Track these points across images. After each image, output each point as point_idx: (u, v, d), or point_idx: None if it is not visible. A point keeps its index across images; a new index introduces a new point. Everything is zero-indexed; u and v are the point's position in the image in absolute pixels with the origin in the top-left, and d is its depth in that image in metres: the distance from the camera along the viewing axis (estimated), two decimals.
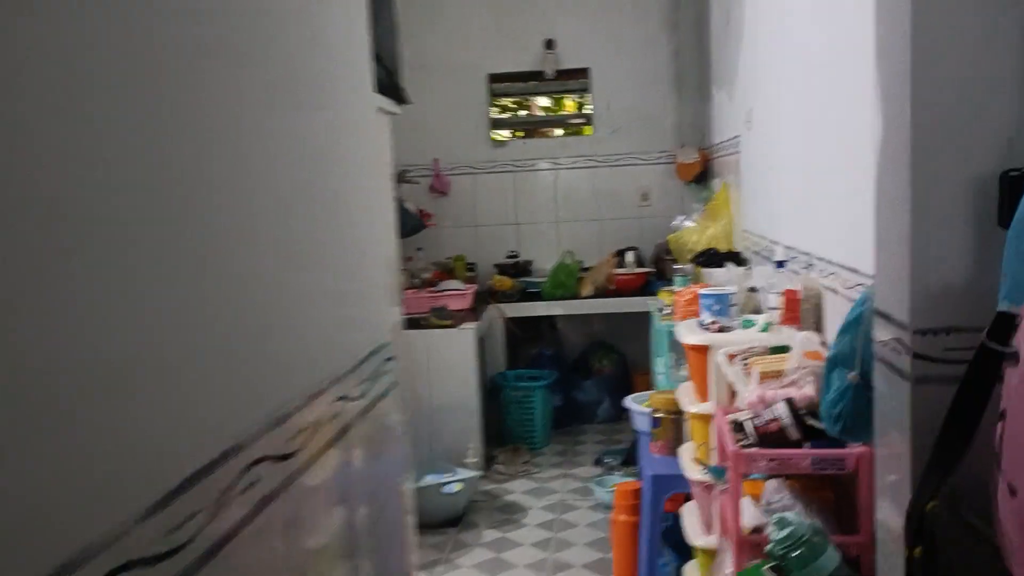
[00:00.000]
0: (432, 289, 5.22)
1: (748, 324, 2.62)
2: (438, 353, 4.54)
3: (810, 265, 2.65)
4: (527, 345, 5.71)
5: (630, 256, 5.52)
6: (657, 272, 5.44)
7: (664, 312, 3.73)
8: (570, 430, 5.46)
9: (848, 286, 2.26)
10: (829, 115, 2.48)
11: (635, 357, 5.70)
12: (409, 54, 6.11)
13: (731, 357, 2.42)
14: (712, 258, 4.02)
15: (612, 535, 3.30)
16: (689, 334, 2.67)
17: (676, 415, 3.08)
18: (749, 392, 2.26)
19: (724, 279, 3.79)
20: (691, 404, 2.67)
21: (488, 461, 4.80)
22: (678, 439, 3.06)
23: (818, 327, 2.56)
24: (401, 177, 5.04)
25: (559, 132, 6.00)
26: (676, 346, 3.58)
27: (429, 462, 4.38)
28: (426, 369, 4.54)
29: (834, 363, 1.79)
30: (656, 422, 3.15)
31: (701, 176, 5.49)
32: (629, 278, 5.36)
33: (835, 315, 2.46)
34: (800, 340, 2.28)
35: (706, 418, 2.55)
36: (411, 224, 5.43)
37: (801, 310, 2.49)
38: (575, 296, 5.31)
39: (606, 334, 5.87)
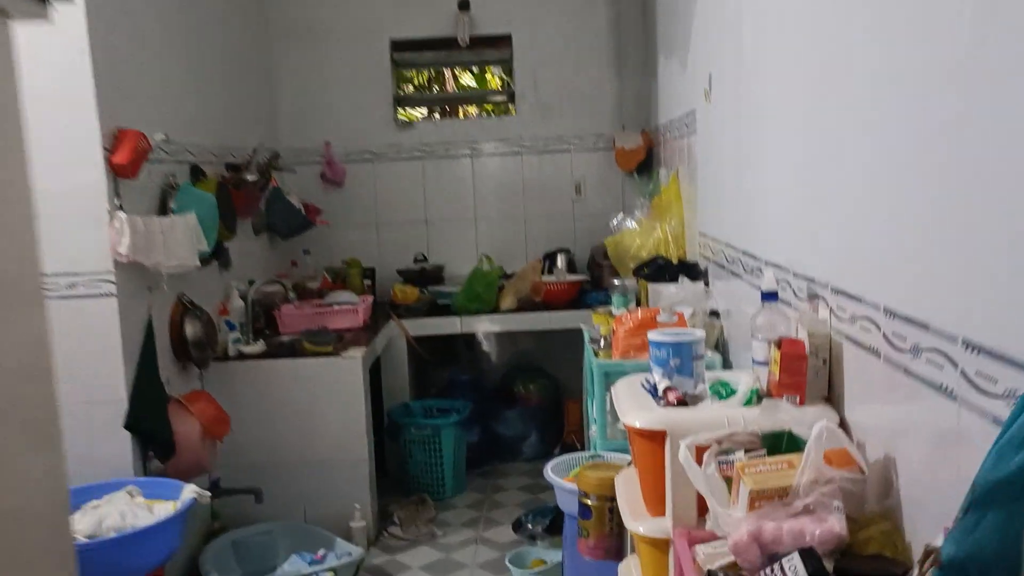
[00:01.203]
0: (318, 302, 4.21)
1: (724, 392, 1.69)
2: (314, 388, 3.54)
3: (814, 297, 1.74)
4: (437, 370, 4.74)
5: (560, 261, 4.60)
6: (592, 280, 4.53)
7: (599, 344, 2.80)
8: (489, 471, 4.52)
9: (899, 340, 1.36)
10: (855, 59, 1.57)
11: (568, 382, 4.78)
12: (292, 13, 5.14)
13: (699, 451, 1.50)
14: (660, 270, 3.11)
15: None
16: (633, 411, 1.71)
17: (613, 502, 2.16)
18: (734, 524, 1.34)
19: (676, 298, 2.88)
20: (636, 517, 1.74)
21: (384, 520, 3.83)
22: (617, 540, 2.14)
23: (829, 398, 1.66)
24: (273, 163, 4.01)
25: (477, 112, 5.03)
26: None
27: (300, 537, 3.39)
28: (297, 410, 3.55)
29: (992, 498, 0.88)
30: (587, 511, 2.22)
31: (644, 165, 4.59)
32: (559, 288, 4.43)
33: (858, 382, 1.56)
34: (818, 432, 1.36)
35: (660, 544, 1.63)
36: (294, 221, 4.42)
37: (809, 371, 1.59)
38: (494, 310, 4.37)
39: (533, 355, 4.94)
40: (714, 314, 2.78)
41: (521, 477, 4.43)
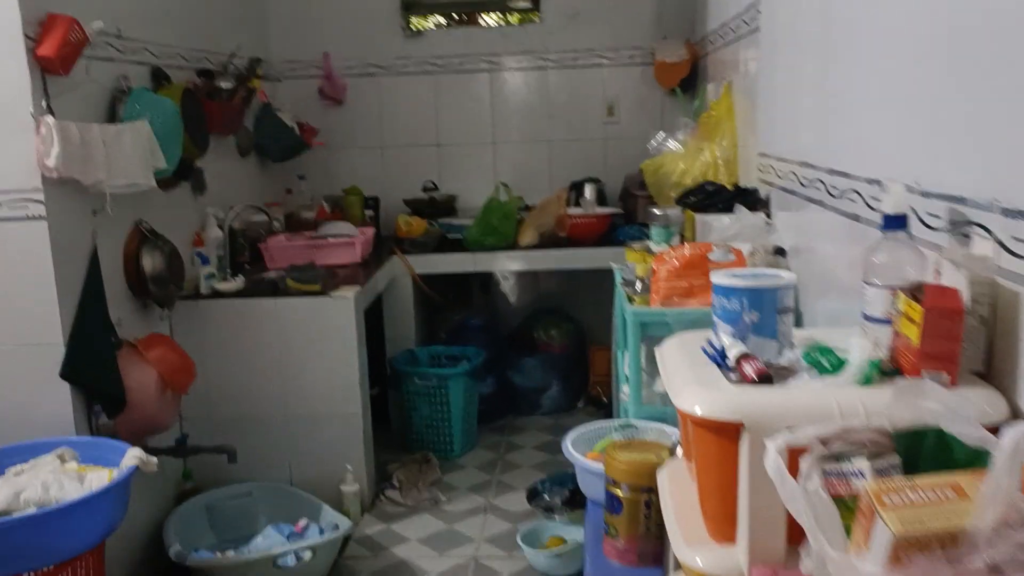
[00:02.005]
0: (311, 234, 3.70)
1: (828, 363, 1.14)
2: (300, 332, 3.05)
3: (961, 225, 1.18)
4: (447, 313, 4.23)
5: (589, 191, 4.03)
6: (625, 214, 3.97)
7: (634, 287, 2.26)
8: (503, 426, 4.04)
9: None
10: None
11: (594, 327, 4.26)
12: None
13: (795, 455, 0.97)
14: (710, 198, 2.55)
15: None
16: (692, 389, 1.14)
17: (651, 494, 1.64)
18: None
19: (730, 232, 2.33)
20: (691, 540, 1.20)
21: (381, 481, 3.37)
22: (656, 543, 1.63)
23: (986, 374, 1.11)
24: (255, 69, 3.45)
25: (497, 20, 4.41)
26: (652, 340, 2.14)
27: (283, 501, 2.94)
28: (279, 356, 3.06)
29: None
30: (616, 503, 1.71)
31: (688, 81, 3.96)
32: (587, 222, 3.88)
33: None
34: (1016, 441, 0.82)
35: None
36: (286, 141, 3.89)
37: (964, 334, 1.04)
38: (512, 246, 3.83)
39: (555, 297, 4.41)
40: (779, 252, 2.22)
41: (539, 433, 3.94)
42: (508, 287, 4.46)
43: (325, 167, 4.26)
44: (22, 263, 2.34)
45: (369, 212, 4.09)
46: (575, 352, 4.27)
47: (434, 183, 4.28)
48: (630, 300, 2.25)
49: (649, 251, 2.42)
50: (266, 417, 3.08)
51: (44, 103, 2.31)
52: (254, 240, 3.56)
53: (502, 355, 4.12)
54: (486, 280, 4.40)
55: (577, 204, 4.01)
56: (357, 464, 3.13)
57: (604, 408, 4.07)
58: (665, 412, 2.17)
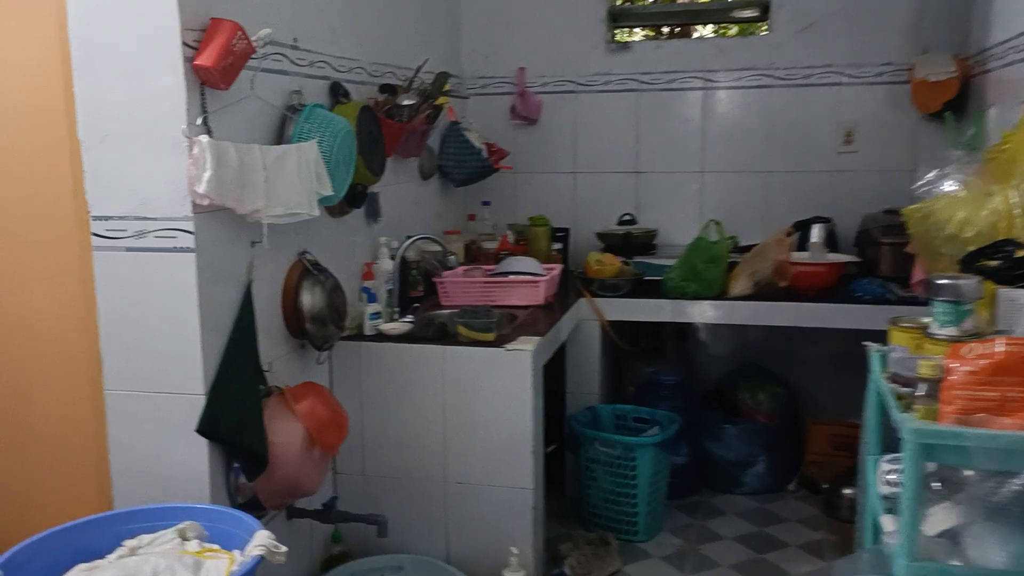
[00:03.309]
0: (491, 269, 3.30)
1: None
2: (469, 387, 2.63)
3: None
4: (637, 364, 3.70)
5: (817, 234, 3.37)
6: (863, 263, 3.28)
7: (913, 388, 1.63)
8: (698, 504, 3.45)
9: None
10: None
11: (812, 394, 3.60)
12: None
13: None
14: (1019, 265, 1.87)
15: None
16: None
17: None
18: None
19: None
20: None
21: (550, 563, 2.89)
22: None
23: None
24: (441, 84, 3.09)
25: (714, 31, 3.85)
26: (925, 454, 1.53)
27: None
28: (445, 413, 2.66)
29: None
30: None
31: (955, 104, 3.22)
32: (814, 271, 3.23)
33: None
34: None
35: None
36: (470, 164, 3.52)
37: None
38: (720, 295, 3.25)
39: (763, 353, 3.77)
40: None
41: (740, 520, 3.32)
42: (708, 338, 3.86)
43: (511, 193, 3.87)
44: (164, 301, 2.06)
45: (557, 245, 3.65)
46: (786, 422, 3.62)
47: (631, 215, 3.78)
48: (905, 406, 1.63)
49: (927, 334, 1.78)
50: (423, 480, 2.69)
51: (200, 120, 2.02)
52: (428, 273, 3.21)
53: (697, 419, 3.54)
54: (683, 328, 3.83)
55: (802, 248, 3.37)
56: (523, 545, 2.67)
57: (821, 495, 3.39)
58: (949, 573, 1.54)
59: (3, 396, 2.28)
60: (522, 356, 2.60)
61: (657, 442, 3.09)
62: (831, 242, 3.43)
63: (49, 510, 2.28)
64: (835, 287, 3.22)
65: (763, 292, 3.21)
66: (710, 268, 3.21)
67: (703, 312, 3.29)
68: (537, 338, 2.69)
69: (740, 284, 3.21)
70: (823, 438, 3.54)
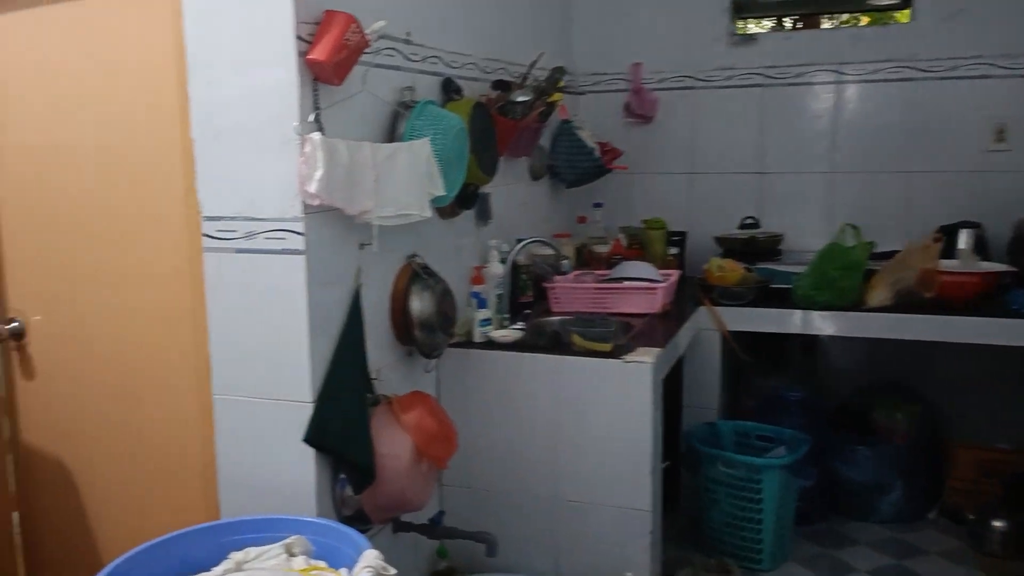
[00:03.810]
0: (604, 273, 3.14)
1: None
2: (583, 399, 2.47)
3: None
4: (760, 378, 3.46)
5: (965, 239, 3.06)
6: (1020, 273, 2.96)
7: None
8: (827, 531, 3.19)
9: None
10: None
11: (955, 414, 3.28)
12: None
13: None
14: None
15: None
16: None
17: None
18: None
19: None
20: None
21: None
22: None
23: None
24: (556, 80, 2.94)
25: (847, 20, 3.58)
26: None
27: None
28: (557, 426, 2.51)
29: None
30: None
31: None
32: (964, 280, 2.93)
33: None
34: None
35: None
36: (583, 164, 3.37)
37: None
38: (855, 306, 2.99)
39: (899, 368, 3.46)
40: None
41: (874, 551, 3.05)
42: (839, 351, 3.59)
43: (625, 194, 3.70)
44: (273, 304, 1.99)
45: (673, 250, 3.45)
46: (925, 445, 3.31)
47: (754, 219, 3.55)
48: None
49: None
50: (533, 497, 2.55)
51: (312, 117, 1.94)
52: (538, 278, 3.07)
53: (825, 438, 3.28)
54: (810, 340, 3.57)
55: (949, 255, 3.07)
56: (639, 570, 2.48)
57: (966, 526, 3.08)
58: None
59: (114, 398, 2.27)
60: (641, 368, 2.42)
61: (785, 464, 2.85)
62: (980, 249, 3.11)
63: (156, 515, 2.25)
64: (987, 299, 2.90)
65: (905, 303, 2.93)
66: (845, 276, 2.95)
67: (836, 324, 3.04)
68: (657, 349, 2.51)
69: (879, 294, 2.94)
70: (968, 463, 3.22)
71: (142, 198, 2.14)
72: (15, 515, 2.49)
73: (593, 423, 2.46)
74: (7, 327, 2.36)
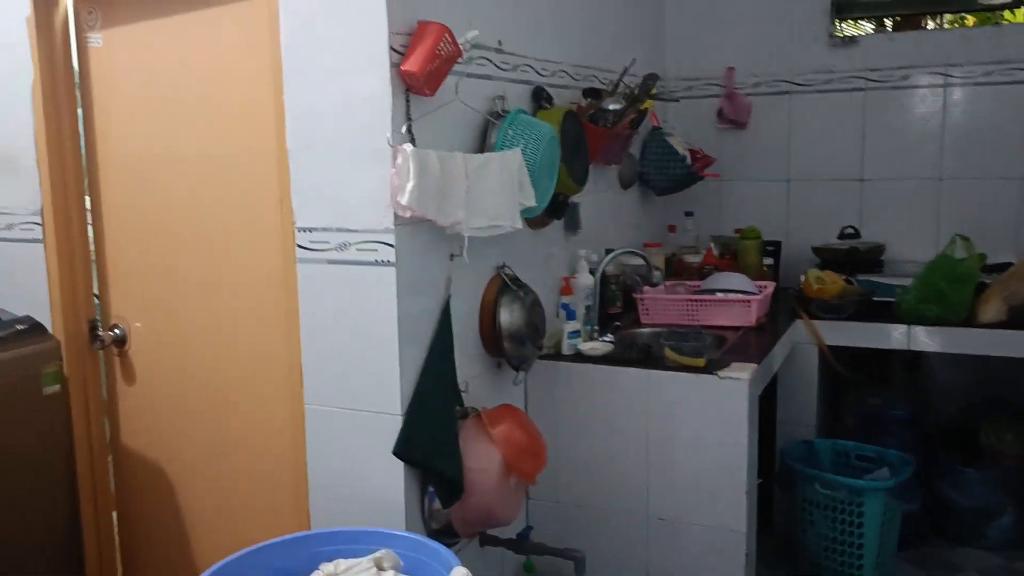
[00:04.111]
0: (695, 285, 3.05)
1: None
2: (676, 415, 2.40)
3: None
4: (860, 395, 3.31)
5: None
6: None
7: None
8: (931, 557, 3.03)
9: None
10: None
11: None
12: None
13: None
14: None
15: None
16: None
17: None
18: None
19: None
20: None
21: None
22: None
23: None
24: (649, 88, 2.87)
25: (953, 21, 3.40)
26: None
27: None
28: (648, 442, 2.44)
29: None
30: None
31: None
32: None
33: None
34: None
35: None
36: (674, 172, 3.30)
37: None
38: (966, 321, 2.82)
39: (1012, 388, 3.26)
40: None
41: None
42: (944, 369, 3.40)
43: (716, 202, 3.60)
44: (363, 316, 1.99)
45: (768, 260, 3.33)
46: None
47: (855, 228, 3.40)
48: None
49: None
50: (622, 514, 2.49)
51: (404, 128, 1.93)
52: (628, 288, 3.01)
53: (930, 459, 3.11)
54: (914, 355, 3.39)
55: None
56: None
57: None
58: None
59: (210, 403, 2.31)
60: (737, 385, 2.33)
61: (889, 487, 2.71)
62: None
63: (249, 520, 2.28)
64: None
65: (1019, 318, 2.75)
66: (955, 290, 2.79)
67: (944, 340, 2.87)
68: (753, 365, 2.41)
69: (992, 309, 2.77)
70: None
71: (239, 208, 2.18)
72: (114, 514, 2.57)
73: (686, 439, 2.39)
74: (110, 333, 2.43)
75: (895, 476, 2.76)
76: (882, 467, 2.88)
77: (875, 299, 3.01)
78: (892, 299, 2.95)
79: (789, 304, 3.10)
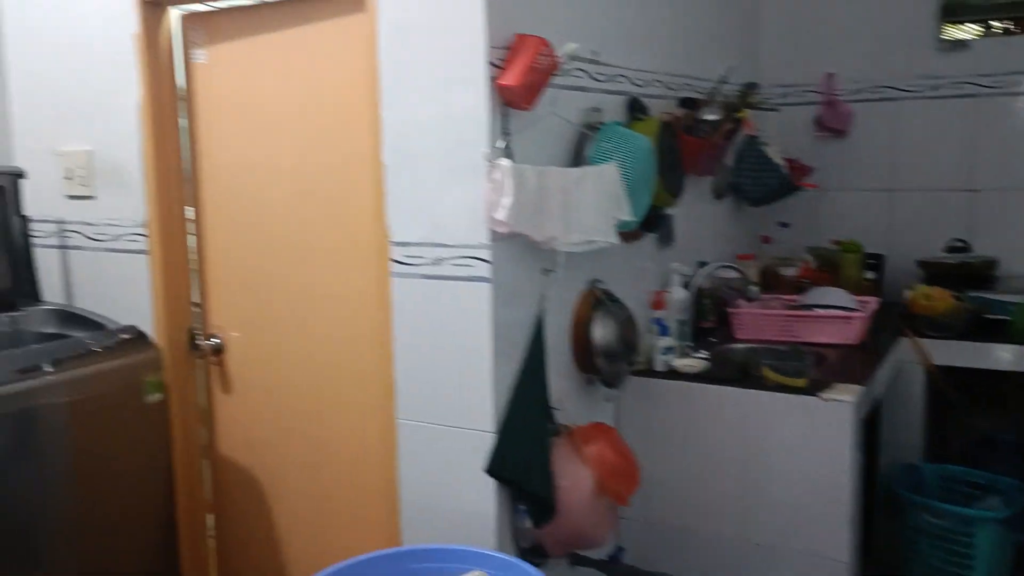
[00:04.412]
0: (793, 299, 2.94)
1: None
2: (774, 437, 2.31)
3: None
4: (970, 418, 3.13)
5: None
6: None
7: None
8: None
9: None
10: None
11: None
12: None
13: None
14: None
15: None
16: None
17: None
18: None
19: None
20: None
21: None
22: None
23: None
24: (747, 98, 2.78)
25: None
26: None
27: None
28: (745, 464, 2.35)
29: None
30: None
31: None
32: None
33: None
34: None
35: None
36: (770, 182, 3.19)
37: None
38: None
39: None
40: None
41: None
42: None
43: (814, 213, 3.47)
44: (457, 332, 1.97)
45: (870, 275, 3.19)
46: None
47: (964, 241, 3.23)
48: None
49: None
50: (716, 537, 2.41)
51: (501, 143, 1.91)
52: (720, 302, 2.92)
53: None
54: None
55: None
56: None
57: None
58: None
59: (304, 414, 2.34)
60: (841, 408, 2.23)
61: (1003, 518, 2.55)
62: None
63: (341, 531, 2.30)
64: None
65: None
66: None
67: None
68: (857, 387, 2.31)
69: None
70: None
71: (335, 221, 2.19)
72: (210, 517, 2.62)
73: (785, 462, 2.30)
74: (208, 342, 2.49)
75: (1008, 505, 2.60)
76: (993, 495, 2.71)
77: (987, 317, 2.84)
78: (1005, 317, 2.79)
79: (893, 321, 2.96)
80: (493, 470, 1.97)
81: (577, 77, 2.19)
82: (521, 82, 1.87)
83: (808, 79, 3.46)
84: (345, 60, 2.11)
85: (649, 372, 2.50)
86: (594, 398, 2.38)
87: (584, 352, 2.28)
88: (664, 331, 2.53)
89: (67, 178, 2.54)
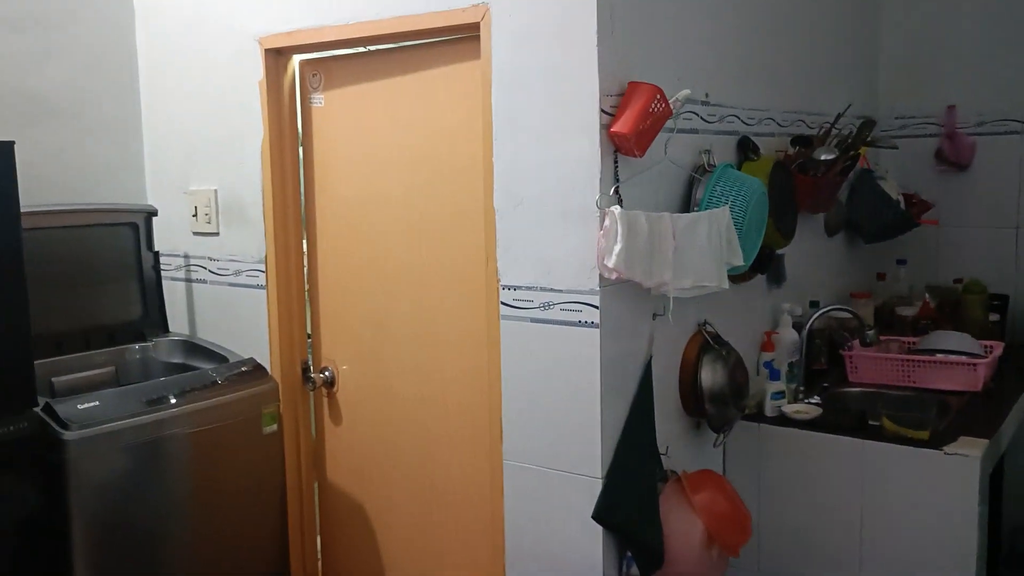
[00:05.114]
0: (910, 341, 2.82)
1: None
2: (896, 491, 2.21)
3: None
4: None
5: None
6: None
7: None
8: None
9: None
10: None
11: None
12: None
13: None
14: None
15: None
16: None
17: None
18: None
19: None
20: None
21: None
22: None
23: None
24: (865, 135, 2.69)
25: None
26: None
27: None
28: (861, 517, 2.26)
29: None
30: None
31: None
32: None
33: None
34: None
35: None
36: (886, 218, 3.09)
37: None
38: None
39: None
40: None
41: None
42: None
43: (932, 249, 3.32)
44: (565, 376, 1.97)
45: (994, 316, 3.03)
46: None
47: None
48: None
49: None
50: None
51: (612, 190, 1.91)
52: (832, 344, 2.83)
53: None
54: None
55: None
56: None
57: None
58: None
59: (412, 450, 2.38)
60: (967, 463, 2.12)
61: None
62: None
63: (446, 569, 2.32)
64: None
65: None
66: None
67: None
68: (983, 440, 2.19)
69: None
70: None
71: (446, 262, 2.23)
72: (318, 540, 2.69)
73: (904, 517, 2.20)
74: (320, 375, 2.56)
75: None
76: None
77: None
78: None
79: (1019, 366, 2.80)
80: (601, 516, 1.96)
81: (688, 119, 2.17)
82: (634, 130, 1.87)
83: (928, 111, 3.33)
84: (458, 105, 2.15)
85: (759, 417, 2.44)
86: (702, 442, 2.34)
87: (692, 396, 2.24)
88: (775, 375, 2.47)
89: (194, 216, 2.67)
